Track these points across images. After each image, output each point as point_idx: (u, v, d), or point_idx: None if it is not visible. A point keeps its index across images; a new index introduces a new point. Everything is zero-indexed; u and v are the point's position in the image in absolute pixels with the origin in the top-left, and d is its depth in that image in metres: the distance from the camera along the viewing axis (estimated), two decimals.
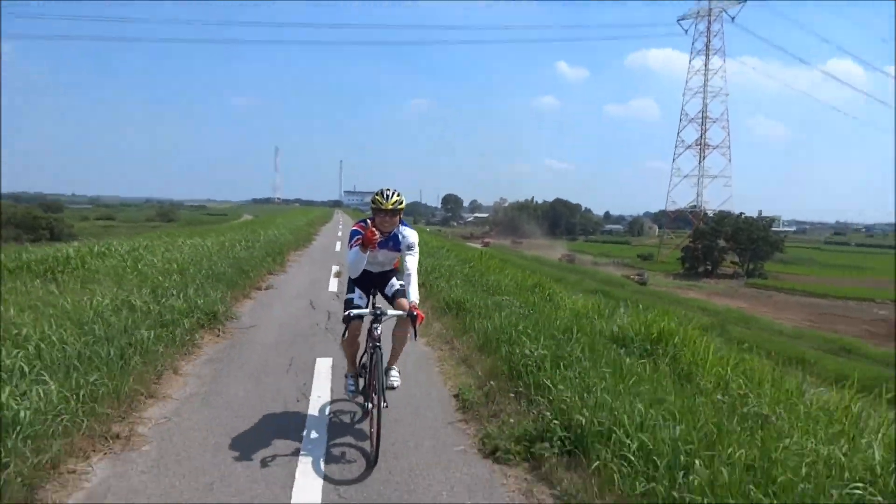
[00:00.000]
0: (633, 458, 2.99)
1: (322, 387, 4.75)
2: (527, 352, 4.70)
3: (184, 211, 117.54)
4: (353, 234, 3.76)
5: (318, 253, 17.48)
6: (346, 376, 4.23)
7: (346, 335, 3.94)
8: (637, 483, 2.84)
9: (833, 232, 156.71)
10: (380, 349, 3.67)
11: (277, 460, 3.40)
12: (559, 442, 3.42)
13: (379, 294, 4.08)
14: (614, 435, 3.19)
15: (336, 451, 3.61)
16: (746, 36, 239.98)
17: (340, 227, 33.86)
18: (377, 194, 3.78)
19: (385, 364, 3.93)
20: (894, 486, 2.66)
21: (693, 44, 77.92)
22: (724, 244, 63.08)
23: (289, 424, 3.95)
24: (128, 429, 3.71)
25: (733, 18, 74.79)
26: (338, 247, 19.35)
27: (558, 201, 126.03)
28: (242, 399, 4.45)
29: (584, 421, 3.43)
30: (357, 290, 4.02)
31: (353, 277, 4.02)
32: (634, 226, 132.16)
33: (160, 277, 7.55)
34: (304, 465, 3.37)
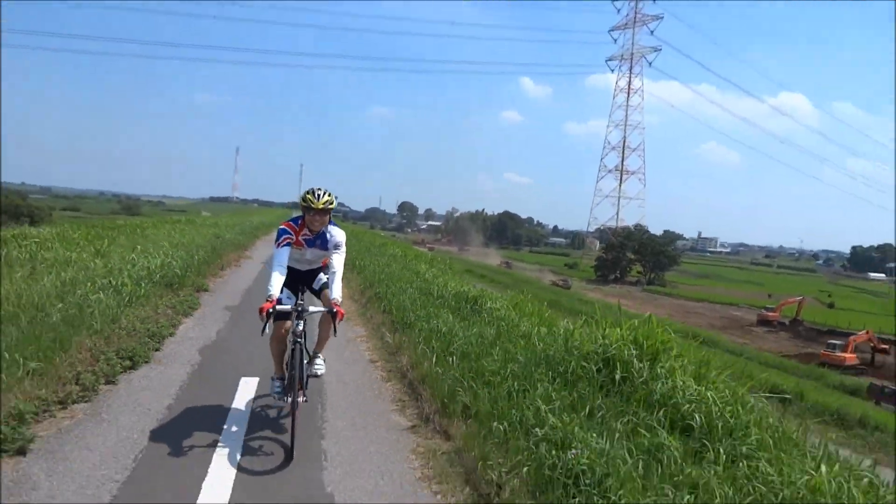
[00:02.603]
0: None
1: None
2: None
3: (143, 206, 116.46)
4: (282, 232, 3.79)
5: None
6: (272, 378, 4.10)
7: (273, 334, 3.88)
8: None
9: (765, 255, 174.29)
10: (300, 345, 3.71)
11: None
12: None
13: (307, 289, 4.11)
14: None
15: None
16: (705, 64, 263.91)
17: None
18: (308, 193, 3.75)
19: (311, 352, 4.12)
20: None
21: (617, 82, 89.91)
22: (632, 256, 73.95)
23: None
24: (225, 270, 11.98)
25: (650, 63, 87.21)
26: None
27: (506, 214, 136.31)
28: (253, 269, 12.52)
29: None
30: (285, 291, 3.92)
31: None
32: (576, 239, 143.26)
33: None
34: None
